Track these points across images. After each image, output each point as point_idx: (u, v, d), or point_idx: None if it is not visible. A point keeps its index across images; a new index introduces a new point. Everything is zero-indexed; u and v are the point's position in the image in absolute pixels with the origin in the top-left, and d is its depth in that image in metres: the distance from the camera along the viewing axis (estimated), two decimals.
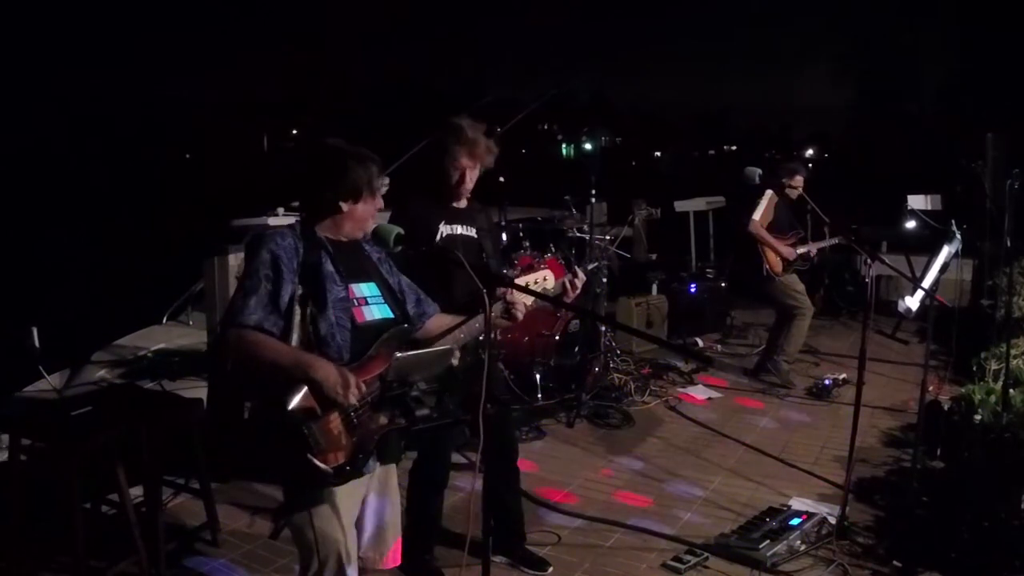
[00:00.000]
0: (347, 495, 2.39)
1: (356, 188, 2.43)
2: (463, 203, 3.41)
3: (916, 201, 8.24)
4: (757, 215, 6.08)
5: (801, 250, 6.12)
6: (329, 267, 2.41)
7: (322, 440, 2.24)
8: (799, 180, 5.97)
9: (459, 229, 3.35)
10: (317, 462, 2.22)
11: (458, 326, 2.55)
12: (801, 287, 6.23)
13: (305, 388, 2.22)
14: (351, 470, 2.29)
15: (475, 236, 3.40)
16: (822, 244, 6.34)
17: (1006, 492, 3.56)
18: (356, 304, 2.43)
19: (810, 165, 6.24)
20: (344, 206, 2.44)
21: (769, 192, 6.07)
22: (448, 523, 3.56)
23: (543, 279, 2.86)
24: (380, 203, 2.52)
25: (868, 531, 3.75)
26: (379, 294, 2.52)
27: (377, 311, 2.48)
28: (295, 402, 2.21)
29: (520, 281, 2.74)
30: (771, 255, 6.08)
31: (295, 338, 2.31)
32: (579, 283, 3.03)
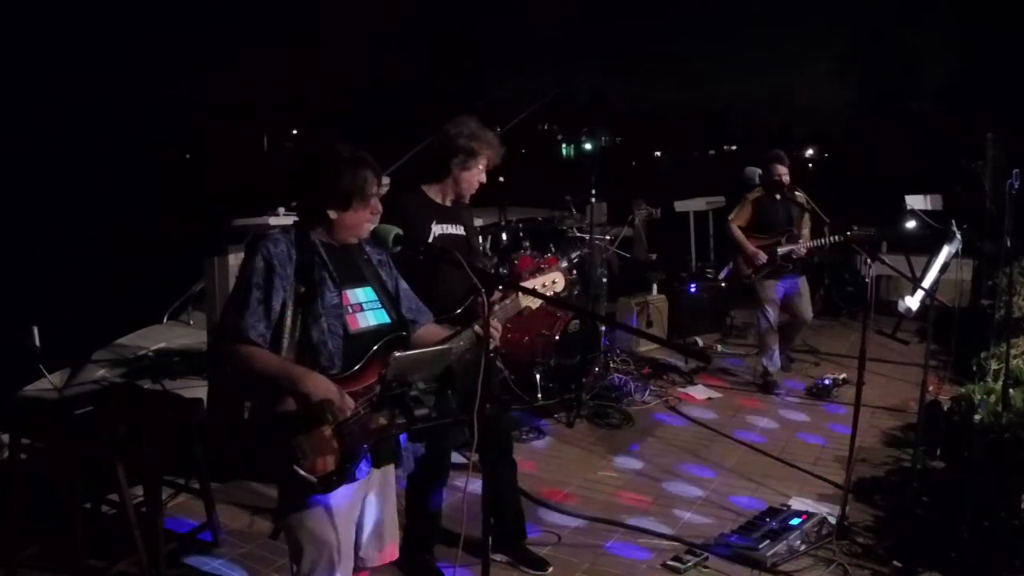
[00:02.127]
0: (344, 497, 2.38)
1: (345, 196, 2.37)
2: (450, 201, 3.42)
3: (915, 201, 8.23)
4: (732, 215, 6.07)
5: (782, 250, 5.85)
6: (322, 273, 2.38)
7: (309, 450, 2.24)
8: (780, 169, 5.84)
9: (449, 228, 3.36)
10: (303, 473, 2.23)
11: (450, 338, 2.52)
12: (770, 296, 5.98)
13: (292, 400, 2.23)
14: (338, 479, 2.28)
15: (463, 234, 3.42)
16: (811, 244, 5.98)
17: (1006, 492, 3.55)
18: (350, 311, 2.40)
19: (810, 165, 6.17)
20: (332, 213, 2.39)
21: (756, 188, 6.06)
22: (448, 523, 3.56)
23: (552, 282, 2.86)
24: (377, 208, 2.47)
25: (868, 531, 3.76)
26: (376, 299, 2.48)
27: (372, 317, 2.45)
28: (283, 412, 2.22)
29: (529, 284, 2.75)
30: (739, 256, 6.03)
31: (286, 345, 2.29)
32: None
